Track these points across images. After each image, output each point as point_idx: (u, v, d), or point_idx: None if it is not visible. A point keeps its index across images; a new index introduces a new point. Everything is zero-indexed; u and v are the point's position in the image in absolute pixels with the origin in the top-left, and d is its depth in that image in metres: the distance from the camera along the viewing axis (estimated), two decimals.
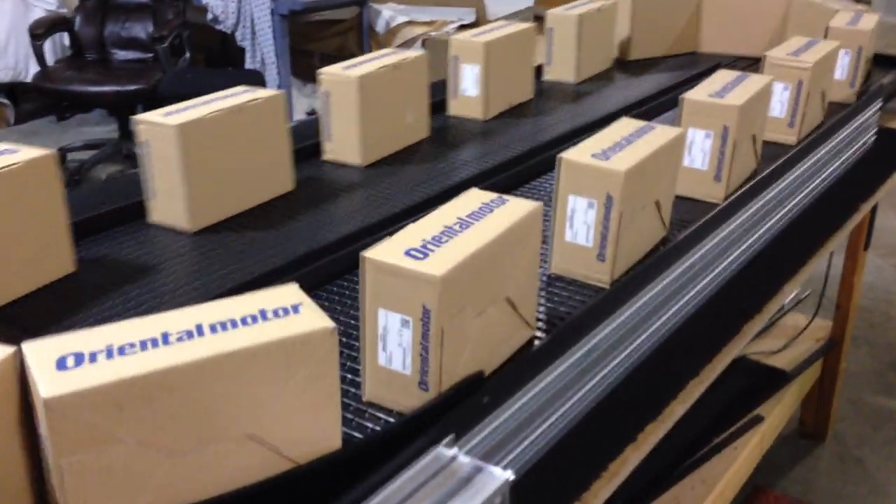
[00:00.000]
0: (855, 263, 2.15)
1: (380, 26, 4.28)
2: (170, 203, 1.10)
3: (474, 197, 0.87)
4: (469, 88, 1.56)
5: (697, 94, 1.22)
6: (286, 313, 0.65)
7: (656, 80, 1.85)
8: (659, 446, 1.02)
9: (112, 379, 0.57)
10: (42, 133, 4.46)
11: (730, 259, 1.25)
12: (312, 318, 0.65)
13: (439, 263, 0.73)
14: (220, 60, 4.81)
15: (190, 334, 0.62)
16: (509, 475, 0.71)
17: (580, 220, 0.98)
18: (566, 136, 1.47)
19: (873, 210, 2.05)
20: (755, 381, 2.05)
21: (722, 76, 1.30)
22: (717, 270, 1.22)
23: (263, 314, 0.65)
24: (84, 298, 0.95)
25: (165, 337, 0.62)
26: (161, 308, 0.90)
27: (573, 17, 1.75)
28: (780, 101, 1.43)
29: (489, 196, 0.87)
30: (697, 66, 1.95)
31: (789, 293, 1.35)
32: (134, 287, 0.98)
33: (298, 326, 0.64)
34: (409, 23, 4.30)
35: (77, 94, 3.79)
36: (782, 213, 1.41)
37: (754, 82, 1.27)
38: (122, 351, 0.60)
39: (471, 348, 0.79)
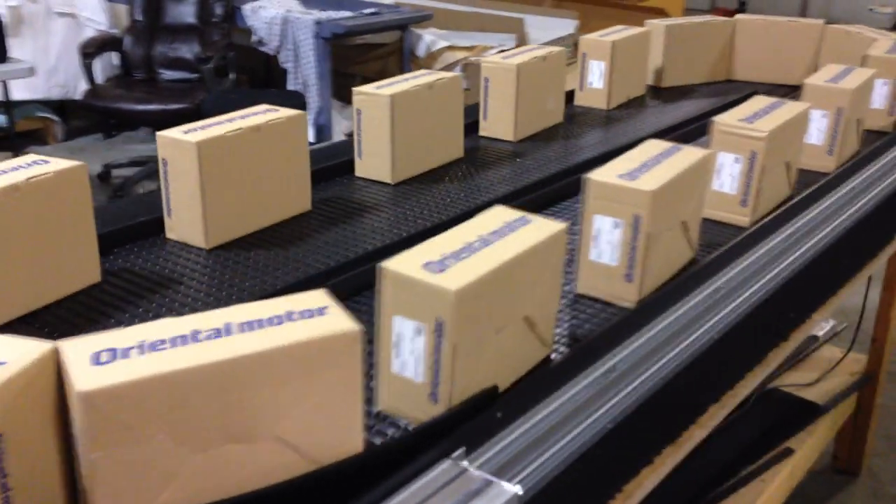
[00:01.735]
0: (892, 297, 2.12)
1: (420, 50, 4.33)
2: (376, 161, 1.34)
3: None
4: (595, 81, 1.79)
5: (606, 174, 0.98)
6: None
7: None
8: (685, 474, 1.01)
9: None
10: (89, 149, 4.57)
11: (755, 287, 1.25)
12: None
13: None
14: (263, 82, 4.90)
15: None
16: (518, 490, 0.72)
17: (407, 350, 0.78)
18: (677, 125, 1.70)
19: None
20: (787, 414, 2.02)
21: (649, 148, 1.07)
22: (742, 297, 1.21)
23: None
24: (317, 231, 1.19)
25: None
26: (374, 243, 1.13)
27: (662, 27, 1.96)
28: (730, 175, 1.20)
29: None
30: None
31: (818, 322, 1.33)
32: (358, 220, 1.21)
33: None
34: (450, 48, 4.34)
35: (124, 112, 3.89)
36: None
37: (687, 156, 1.04)
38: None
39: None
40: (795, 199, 1.29)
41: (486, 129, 1.59)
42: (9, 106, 3.60)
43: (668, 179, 0.97)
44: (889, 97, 1.67)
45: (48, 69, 4.40)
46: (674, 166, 1.01)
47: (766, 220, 1.21)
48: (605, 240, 0.99)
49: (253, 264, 1.07)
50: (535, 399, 0.84)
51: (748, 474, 1.78)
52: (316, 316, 0.66)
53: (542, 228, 0.84)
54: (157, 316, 0.94)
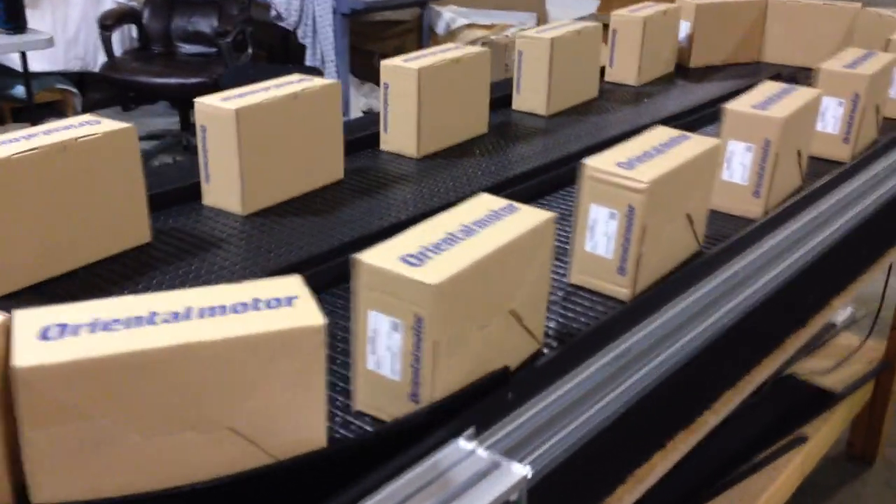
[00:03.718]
0: None
1: (440, 28, 4.30)
2: (533, 94, 1.58)
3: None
4: (682, 40, 2.00)
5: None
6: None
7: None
8: (696, 460, 1.00)
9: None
10: None
11: (774, 273, 1.23)
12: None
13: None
14: (281, 57, 4.88)
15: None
16: (527, 471, 0.71)
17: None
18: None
19: None
20: (801, 401, 2.00)
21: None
22: (761, 283, 1.19)
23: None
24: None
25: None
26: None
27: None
28: (605, 235, 0.95)
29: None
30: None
31: (836, 309, 1.31)
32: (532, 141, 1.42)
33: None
34: (470, 25, 4.31)
35: (142, 85, 3.88)
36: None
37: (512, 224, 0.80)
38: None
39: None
40: (807, 191, 1.21)
41: (611, 76, 1.84)
42: (28, 77, 3.60)
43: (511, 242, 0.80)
44: None
45: (67, 41, 4.40)
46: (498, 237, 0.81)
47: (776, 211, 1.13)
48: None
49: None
50: (548, 381, 0.83)
51: (760, 461, 1.77)
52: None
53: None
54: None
